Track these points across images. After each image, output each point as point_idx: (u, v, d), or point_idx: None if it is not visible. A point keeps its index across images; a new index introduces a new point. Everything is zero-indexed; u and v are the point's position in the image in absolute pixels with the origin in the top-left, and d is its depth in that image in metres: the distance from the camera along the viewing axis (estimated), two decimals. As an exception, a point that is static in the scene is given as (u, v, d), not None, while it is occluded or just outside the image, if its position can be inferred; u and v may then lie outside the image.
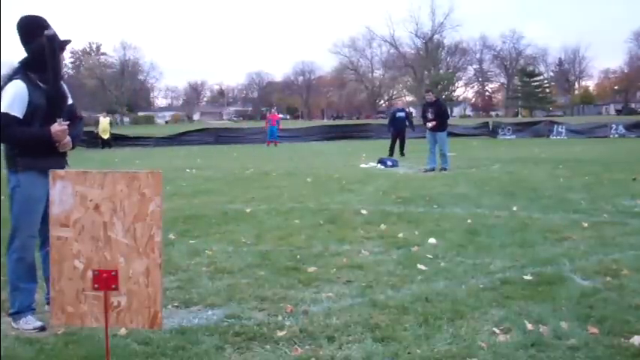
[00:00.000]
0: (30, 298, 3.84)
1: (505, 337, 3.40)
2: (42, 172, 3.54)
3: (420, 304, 4.00)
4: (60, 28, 3.79)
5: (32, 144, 3.71)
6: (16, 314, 3.78)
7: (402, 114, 19.87)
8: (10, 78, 3.74)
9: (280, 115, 40.65)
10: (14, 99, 3.65)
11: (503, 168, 13.76)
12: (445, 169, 13.44)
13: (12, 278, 3.81)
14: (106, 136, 28.89)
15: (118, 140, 30.94)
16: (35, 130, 3.71)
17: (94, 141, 28.56)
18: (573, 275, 4.61)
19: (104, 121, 29.39)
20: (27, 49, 3.74)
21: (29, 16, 3.73)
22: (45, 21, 3.73)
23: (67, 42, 3.86)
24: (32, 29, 3.68)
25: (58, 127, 3.72)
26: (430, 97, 14.45)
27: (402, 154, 18.61)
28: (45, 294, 4.01)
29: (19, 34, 3.73)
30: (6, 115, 3.61)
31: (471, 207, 8.00)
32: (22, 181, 3.74)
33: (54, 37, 3.60)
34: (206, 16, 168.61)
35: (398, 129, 19.33)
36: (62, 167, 3.72)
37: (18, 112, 3.64)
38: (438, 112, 13.92)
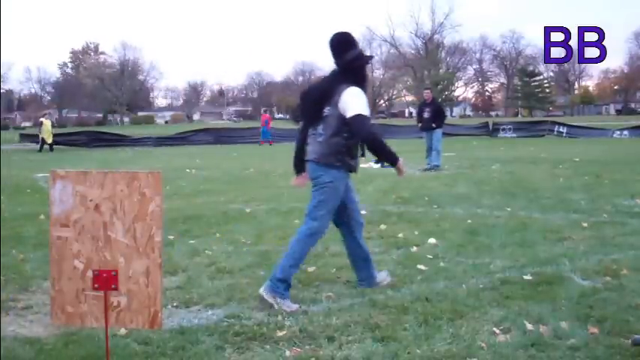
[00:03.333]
0: (289, 279, 4.08)
1: (505, 337, 3.40)
2: (349, 172, 4.22)
3: (419, 304, 4.00)
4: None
5: (385, 154, 4.21)
6: (281, 287, 4.00)
7: None
8: (337, 83, 4.08)
9: (280, 115, 41.15)
10: (366, 104, 4.07)
11: (503, 168, 13.75)
12: (437, 166, 13.51)
13: (299, 253, 4.14)
14: (49, 140, 26.93)
15: (118, 140, 30.90)
16: (392, 149, 4.23)
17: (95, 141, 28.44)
18: (573, 275, 4.61)
19: (47, 124, 27.47)
20: (339, 62, 4.14)
21: (342, 33, 4.20)
22: (353, 38, 4.22)
23: (371, 57, 4.52)
24: (344, 44, 4.15)
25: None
26: (429, 95, 14.41)
27: (362, 154, 18.73)
28: None
29: (333, 48, 4.15)
30: (368, 117, 4.06)
31: (471, 207, 8.00)
32: (337, 178, 4.14)
33: (361, 55, 4.23)
34: (206, 16, 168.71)
35: None
36: (357, 169, 4.30)
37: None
38: (436, 112, 13.93)
